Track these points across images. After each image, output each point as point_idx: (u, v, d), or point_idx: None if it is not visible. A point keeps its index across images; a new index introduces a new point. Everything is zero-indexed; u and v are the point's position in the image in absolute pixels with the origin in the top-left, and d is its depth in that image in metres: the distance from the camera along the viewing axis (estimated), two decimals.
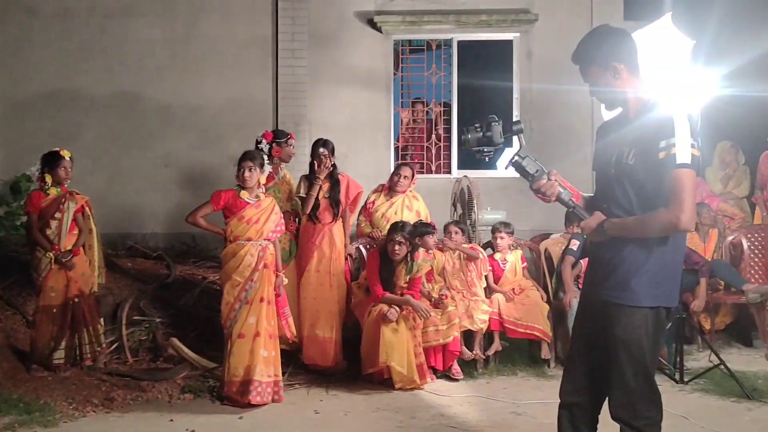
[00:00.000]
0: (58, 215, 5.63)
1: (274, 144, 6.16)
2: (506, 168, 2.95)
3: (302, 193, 5.99)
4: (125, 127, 8.66)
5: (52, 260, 5.55)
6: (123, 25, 8.64)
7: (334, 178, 6.03)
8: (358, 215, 6.55)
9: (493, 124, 2.89)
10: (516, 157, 2.88)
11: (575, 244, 6.32)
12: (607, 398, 2.91)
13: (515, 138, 2.96)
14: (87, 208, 5.84)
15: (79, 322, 5.60)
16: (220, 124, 8.66)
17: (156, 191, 8.60)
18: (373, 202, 6.47)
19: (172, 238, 8.30)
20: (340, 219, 6.06)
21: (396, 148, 8.84)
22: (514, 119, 2.86)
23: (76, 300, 5.60)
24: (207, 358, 5.74)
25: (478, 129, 2.90)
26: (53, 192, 5.67)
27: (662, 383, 5.58)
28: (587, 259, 5.19)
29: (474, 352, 5.95)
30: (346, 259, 6.11)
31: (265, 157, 5.52)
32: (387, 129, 8.72)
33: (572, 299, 6.03)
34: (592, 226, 2.84)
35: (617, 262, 2.81)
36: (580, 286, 6.14)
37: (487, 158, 2.96)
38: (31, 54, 8.62)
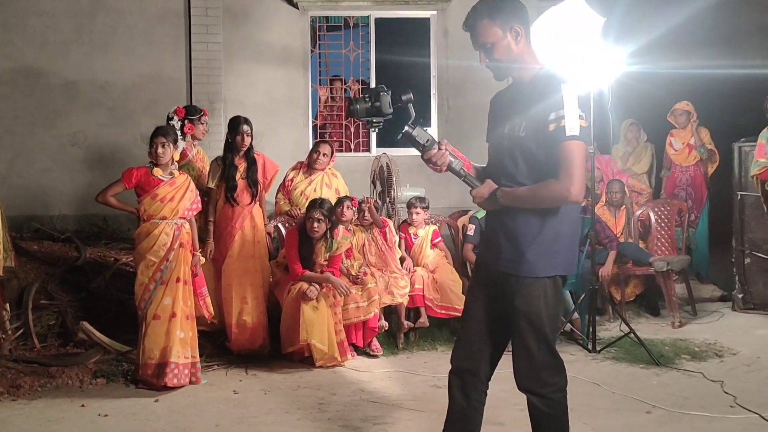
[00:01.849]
0: None
1: (186, 121, 5.94)
2: (397, 138, 2.96)
3: (212, 184, 5.75)
4: (28, 105, 8.25)
5: None
6: None
7: (250, 158, 5.87)
8: (277, 193, 6.44)
9: (381, 93, 2.85)
10: (406, 128, 2.86)
11: (471, 229, 6.40)
12: (491, 368, 3.03)
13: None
14: None
15: None
16: (130, 101, 8.35)
17: (63, 171, 8.24)
18: (292, 180, 6.38)
19: (82, 220, 7.98)
20: (258, 200, 5.93)
21: (314, 126, 8.75)
22: (404, 90, 2.88)
23: None
24: (121, 342, 5.56)
25: (367, 99, 2.87)
26: None
27: (576, 353, 5.85)
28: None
29: (405, 323, 5.98)
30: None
31: (178, 133, 5.35)
32: (305, 107, 8.61)
33: None
34: (483, 194, 2.86)
35: (512, 233, 2.84)
36: None
37: (376, 129, 2.94)
38: None
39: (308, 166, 6.38)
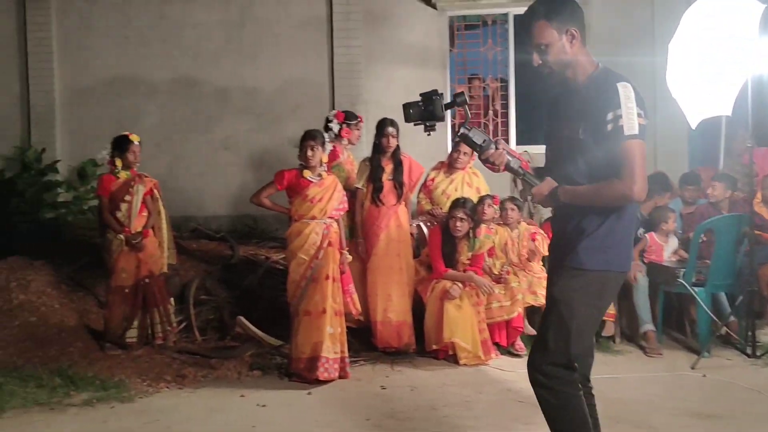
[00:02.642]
0: (128, 198, 5.77)
1: (344, 125, 6.19)
2: (454, 141, 2.94)
3: (360, 185, 5.94)
4: (185, 112, 8.79)
5: (123, 242, 5.71)
6: (180, 11, 8.76)
7: (396, 160, 6.00)
8: (418, 193, 6.54)
9: (434, 98, 2.89)
10: (462, 129, 2.88)
11: None
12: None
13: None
14: (155, 191, 5.99)
15: (150, 302, 5.75)
16: (277, 106, 8.72)
17: (217, 174, 8.72)
18: (433, 180, 6.45)
19: (234, 220, 8.43)
20: (404, 200, 6.06)
21: (453, 125, 8.79)
22: (457, 91, 2.88)
23: (147, 281, 5.74)
24: (273, 336, 5.83)
25: (420, 104, 2.90)
26: (123, 175, 5.82)
27: (733, 357, 5.57)
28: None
29: None
30: None
31: (333, 135, 5.57)
32: None
33: (637, 273, 5.94)
34: (543, 192, 2.85)
35: (570, 230, 2.84)
36: (645, 260, 6.13)
37: (430, 132, 2.96)
38: (92, 42, 8.81)
39: (449, 165, 6.43)
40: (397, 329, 5.77)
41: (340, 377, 5.15)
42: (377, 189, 5.87)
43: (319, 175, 5.29)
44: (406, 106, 2.94)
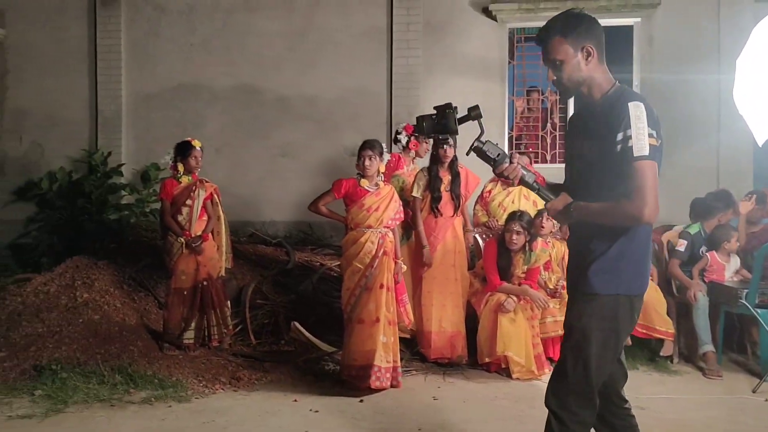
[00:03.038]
0: (189, 202, 5.91)
1: (412, 137, 6.24)
2: (467, 154, 2.94)
3: (417, 194, 5.96)
4: (245, 118, 8.97)
5: (183, 245, 5.85)
6: (244, 20, 8.95)
7: (454, 171, 6.00)
8: (475, 204, 6.53)
9: (447, 111, 2.89)
10: (476, 143, 2.87)
11: (682, 245, 6.08)
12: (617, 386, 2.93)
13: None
14: (216, 196, 6.11)
15: (208, 304, 5.88)
16: (335, 114, 8.82)
17: (274, 180, 8.87)
18: (490, 192, 6.43)
19: (290, 226, 8.55)
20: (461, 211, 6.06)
21: (510, 138, 8.75)
22: (471, 104, 2.88)
23: (205, 283, 5.87)
24: (326, 343, 5.89)
25: (433, 117, 2.90)
26: (185, 180, 5.96)
27: None
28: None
29: None
30: None
31: (402, 147, 5.60)
32: (501, 118, 8.64)
33: (697, 293, 5.81)
34: (558, 207, 2.83)
35: (582, 251, 2.81)
36: (706, 280, 5.99)
37: (444, 146, 2.94)
38: (158, 49, 9.08)
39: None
40: (451, 340, 5.76)
41: (392, 386, 5.16)
42: (436, 199, 5.88)
43: (376, 185, 5.34)
44: (420, 119, 2.96)
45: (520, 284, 5.69)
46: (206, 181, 6.09)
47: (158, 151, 8.34)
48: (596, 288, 2.73)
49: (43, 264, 7.48)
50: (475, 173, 6.26)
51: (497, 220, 6.25)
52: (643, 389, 5.20)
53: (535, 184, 2.88)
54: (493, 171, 2.91)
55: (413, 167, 6.32)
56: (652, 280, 6.14)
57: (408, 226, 6.08)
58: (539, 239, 5.80)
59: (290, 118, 8.92)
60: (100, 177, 8.60)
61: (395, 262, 5.36)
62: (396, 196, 5.45)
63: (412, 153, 6.27)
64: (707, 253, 6.12)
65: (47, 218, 8.62)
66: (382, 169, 5.45)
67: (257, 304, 6.49)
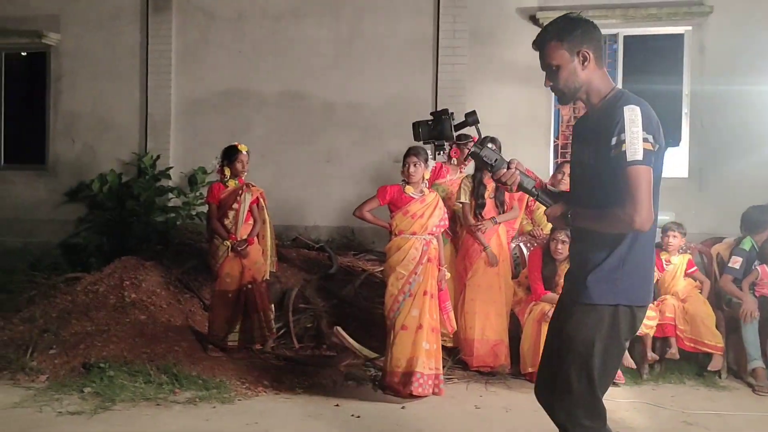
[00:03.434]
0: (235, 206, 5.98)
1: (454, 144, 6.21)
2: (464, 160, 2.90)
3: (464, 198, 5.94)
4: (291, 124, 9.05)
5: (229, 248, 5.91)
6: (292, 26, 9.05)
7: None
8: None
9: (443, 117, 2.88)
10: (474, 148, 2.85)
11: (737, 262, 5.94)
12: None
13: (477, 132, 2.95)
14: (261, 200, 6.17)
15: (252, 307, 5.93)
16: (380, 121, 8.85)
17: (319, 186, 8.93)
18: (535, 200, 6.36)
19: (333, 231, 8.60)
20: None
21: (555, 146, 8.68)
22: (468, 110, 2.86)
23: (249, 287, 5.93)
24: (368, 348, 5.90)
25: (429, 123, 2.89)
26: (231, 184, 6.03)
27: None
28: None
29: (649, 356, 5.74)
30: None
31: (446, 156, 5.60)
32: (547, 126, 8.57)
33: (755, 311, 5.67)
34: (556, 213, 2.82)
35: (581, 257, 2.78)
36: (757, 294, 5.84)
37: (441, 152, 2.96)
38: (208, 55, 9.23)
39: (552, 186, 6.33)
40: (494, 349, 5.72)
41: (434, 394, 5.14)
42: (479, 206, 5.85)
43: (421, 192, 5.34)
44: (416, 125, 2.96)
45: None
46: (252, 185, 6.15)
47: (205, 155, 8.50)
48: (595, 298, 2.67)
49: (93, 264, 7.66)
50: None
51: (542, 229, 6.20)
52: (690, 404, 5.10)
53: (534, 190, 2.86)
54: (492, 177, 2.90)
55: (459, 175, 6.29)
56: (700, 292, 6.03)
57: (451, 234, 6.07)
58: None
59: (335, 125, 8.97)
60: (149, 180, 8.77)
61: (439, 269, 5.34)
62: (441, 203, 5.44)
63: (454, 160, 6.24)
64: (758, 267, 5.98)
65: (97, 219, 8.82)
66: (428, 176, 5.44)
67: (300, 308, 6.54)
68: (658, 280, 6.16)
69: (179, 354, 5.64)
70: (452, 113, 2.91)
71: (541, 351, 5.22)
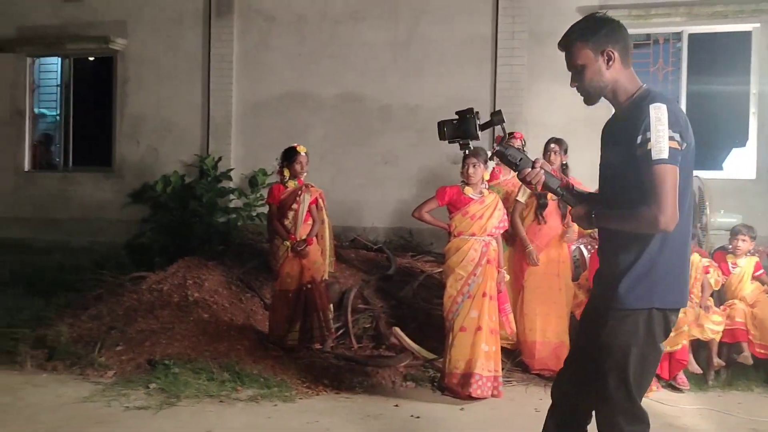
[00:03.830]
0: (294, 206, 6.06)
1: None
2: (490, 159, 2.86)
3: (523, 199, 5.88)
4: (348, 126, 9.12)
5: (289, 248, 5.99)
6: (350, 30, 9.12)
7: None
8: None
9: (467, 116, 2.86)
10: (498, 147, 2.86)
11: None
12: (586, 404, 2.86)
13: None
14: (320, 200, 6.24)
15: (311, 307, 5.99)
16: (436, 124, 8.81)
17: (376, 187, 8.97)
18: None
19: (390, 232, 8.63)
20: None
21: None
22: (495, 109, 2.82)
23: (309, 286, 5.99)
24: (426, 349, 5.90)
25: (454, 122, 2.89)
26: (291, 185, 6.11)
27: None
28: None
29: (715, 362, 5.60)
30: None
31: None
32: None
33: None
34: (580, 213, 2.78)
35: (610, 259, 2.74)
36: None
37: (466, 150, 2.94)
38: (268, 59, 9.37)
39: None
40: (556, 351, 5.65)
41: (493, 396, 5.12)
42: (542, 206, 5.79)
43: (480, 193, 5.32)
44: (441, 124, 2.94)
45: None
46: (311, 186, 6.22)
47: (265, 156, 8.64)
48: (630, 303, 2.64)
49: (157, 263, 7.85)
50: (584, 183, 6.13)
51: None
52: (758, 412, 4.96)
53: (559, 190, 2.84)
54: (517, 176, 2.90)
55: (512, 175, 6.25)
56: None
57: (510, 235, 6.02)
58: None
59: (392, 127, 9.00)
60: (211, 181, 8.95)
61: (498, 271, 5.32)
62: (500, 204, 5.41)
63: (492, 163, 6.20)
64: None
65: (160, 219, 9.04)
66: (487, 176, 5.42)
67: (358, 309, 6.58)
68: (723, 283, 6.01)
69: (241, 352, 5.73)
70: (477, 112, 2.90)
71: None
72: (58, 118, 10.36)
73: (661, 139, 2.51)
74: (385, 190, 8.93)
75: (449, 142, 2.97)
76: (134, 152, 9.80)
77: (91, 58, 10.49)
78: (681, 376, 5.56)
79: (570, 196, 2.85)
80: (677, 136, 2.54)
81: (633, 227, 2.63)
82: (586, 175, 7.57)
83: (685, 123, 2.61)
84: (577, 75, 2.76)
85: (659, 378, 5.54)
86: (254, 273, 7.12)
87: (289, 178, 6.13)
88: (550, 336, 5.67)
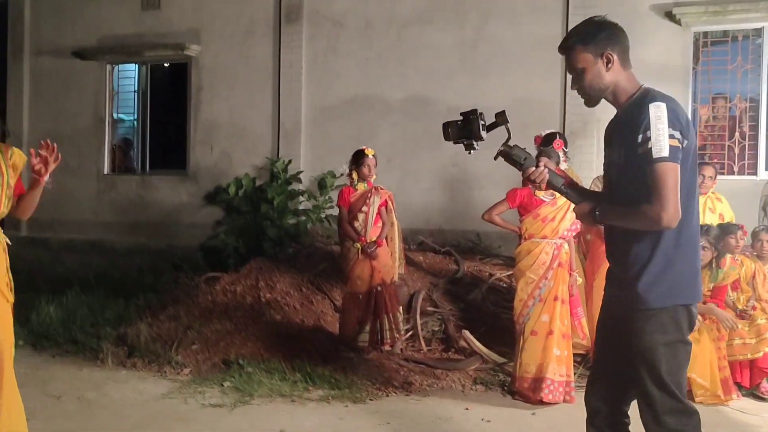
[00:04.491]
0: (364, 209, 6.11)
1: (556, 140, 6.02)
2: (495, 159, 2.90)
3: None
4: (416, 129, 9.14)
5: (359, 250, 6.05)
6: (417, 33, 9.15)
7: None
8: None
9: (471, 117, 2.89)
10: (502, 147, 2.90)
11: None
12: (626, 403, 2.89)
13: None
14: (390, 203, 6.28)
15: (381, 308, 6.03)
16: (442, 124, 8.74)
17: (443, 189, 8.97)
18: None
19: (458, 235, 8.60)
20: None
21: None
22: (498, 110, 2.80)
23: (379, 288, 6.03)
24: (496, 353, 5.87)
25: (458, 123, 2.91)
26: (361, 187, 6.17)
27: None
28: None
29: None
30: None
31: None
32: None
33: None
34: (585, 211, 2.82)
35: (624, 263, 2.75)
36: None
37: (471, 151, 2.93)
38: (336, 63, 9.48)
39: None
40: None
41: (565, 401, 5.06)
42: None
43: (552, 195, 5.25)
44: (445, 126, 2.96)
45: (705, 302, 5.36)
46: (381, 189, 6.26)
47: (334, 160, 8.73)
48: (652, 303, 2.65)
49: (230, 265, 8.03)
50: None
51: None
52: None
53: (563, 188, 2.88)
54: (522, 175, 2.93)
55: (565, 167, 6.14)
56: None
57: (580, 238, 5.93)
58: (728, 256, 5.45)
59: None
60: (281, 184, 9.11)
61: (570, 274, 5.25)
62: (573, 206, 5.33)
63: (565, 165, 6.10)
64: None
65: (233, 222, 9.27)
66: None
67: (427, 311, 6.58)
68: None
69: (312, 353, 5.82)
70: (481, 113, 2.93)
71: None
72: (135, 123, 10.74)
73: (661, 138, 2.55)
74: (452, 192, 8.92)
75: (454, 143, 3.02)
76: (208, 157, 10.06)
77: (167, 65, 10.82)
78: (764, 384, 5.38)
79: (574, 194, 2.91)
80: (677, 134, 2.58)
81: (636, 225, 2.68)
82: None
83: (686, 121, 2.65)
84: (578, 78, 2.84)
85: (740, 387, 5.37)
86: (324, 275, 7.21)
87: (358, 181, 6.19)
88: None
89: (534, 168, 2.89)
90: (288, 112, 9.60)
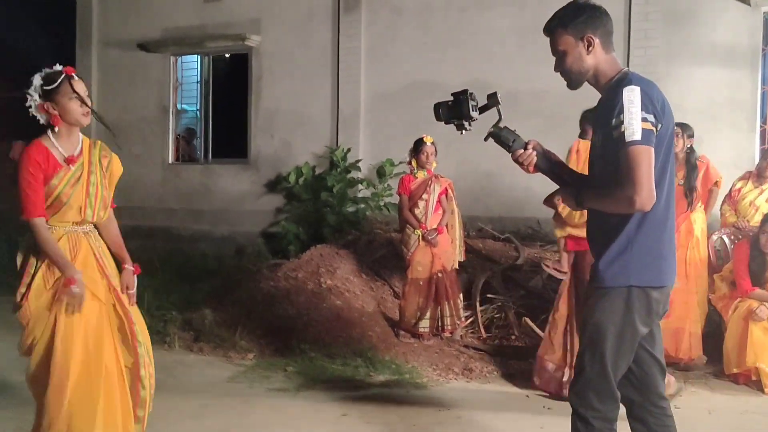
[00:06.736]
0: (425, 196, 6.15)
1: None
2: (485, 140, 2.86)
3: None
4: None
5: (420, 238, 6.09)
6: (476, 17, 9.07)
7: (690, 164, 5.69)
8: (722, 204, 6.11)
9: (461, 97, 2.88)
10: (493, 129, 2.89)
11: None
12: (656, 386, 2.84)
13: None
14: (450, 190, 6.30)
15: (442, 295, 6.07)
16: (565, 108, 8.51)
17: (503, 176, 8.87)
18: (739, 190, 6.00)
19: (518, 222, 8.54)
20: (701, 205, 5.73)
21: (762, 132, 8.04)
22: (490, 92, 2.72)
23: (440, 275, 6.07)
24: None
25: (449, 103, 2.90)
26: (420, 175, 6.20)
27: None
28: None
29: None
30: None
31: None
32: (751, 110, 7.94)
33: None
34: (568, 194, 2.82)
35: (596, 244, 2.78)
36: None
37: (462, 132, 2.92)
38: (394, 50, 9.48)
39: (758, 175, 5.93)
40: (675, 336, 5.46)
41: None
42: None
43: None
44: (436, 106, 2.96)
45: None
46: (441, 176, 6.28)
47: (392, 147, 8.77)
48: (607, 281, 2.68)
49: (291, 251, 8.16)
50: (719, 170, 5.88)
51: (747, 221, 5.81)
52: None
53: (550, 172, 2.88)
54: (511, 158, 2.94)
55: None
56: None
57: None
58: None
59: (519, 113, 8.81)
60: (341, 172, 9.20)
61: None
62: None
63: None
64: None
65: (293, 209, 9.40)
66: None
67: (487, 298, 6.58)
68: None
69: (373, 339, 5.90)
70: (472, 93, 2.93)
71: (747, 351, 4.98)
72: (198, 113, 10.97)
73: (633, 121, 2.55)
74: (511, 179, 8.80)
75: (446, 123, 3.01)
76: (269, 145, 10.22)
77: (227, 56, 11.00)
78: None
79: (561, 178, 2.90)
80: (651, 117, 2.58)
81: (611, 208, 2.68)
82: (728, 160, 7.25)
83: (662, 104, 2.65)
84: (559, 60, 2.86)
85: None
86: (383, 262, 7.28)
87: (417, 169, 6.22)
88: (670, 321, 5.45)
89: (522, 150, 2.91)
90: (347, 100, 9.66)
